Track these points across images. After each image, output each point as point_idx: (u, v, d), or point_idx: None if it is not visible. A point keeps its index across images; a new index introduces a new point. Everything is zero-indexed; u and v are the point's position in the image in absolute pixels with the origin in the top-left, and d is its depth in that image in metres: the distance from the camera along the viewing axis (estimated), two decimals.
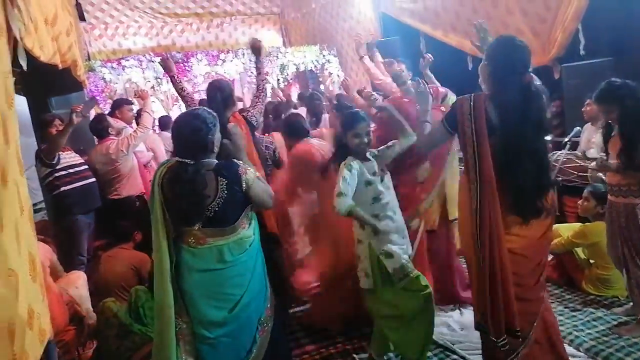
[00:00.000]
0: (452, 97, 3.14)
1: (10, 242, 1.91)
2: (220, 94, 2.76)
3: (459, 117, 2.06)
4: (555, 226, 3.05)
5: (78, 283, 2.95)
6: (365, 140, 2.39)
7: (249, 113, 3.00)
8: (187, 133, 2.01)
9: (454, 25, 5.70)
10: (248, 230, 2.10)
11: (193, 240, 2.02)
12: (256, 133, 3.24)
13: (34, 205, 5.04)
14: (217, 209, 1.99)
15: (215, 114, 2.12)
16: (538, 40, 4.74)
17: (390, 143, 2.56)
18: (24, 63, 2.33)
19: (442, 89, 3.31)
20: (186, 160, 2.00)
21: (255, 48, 3.16)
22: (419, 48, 6.10)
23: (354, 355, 2.80)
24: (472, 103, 2.03)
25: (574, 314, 3.02)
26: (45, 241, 3.35)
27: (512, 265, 2.02)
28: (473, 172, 2.02)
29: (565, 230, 3.37)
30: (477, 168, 2.01)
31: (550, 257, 3.15)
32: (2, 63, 2.10)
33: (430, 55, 3.54)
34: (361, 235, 2.42)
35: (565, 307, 3.11)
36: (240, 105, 5.07)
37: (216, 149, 2.09)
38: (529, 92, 2.01)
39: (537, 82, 2.11)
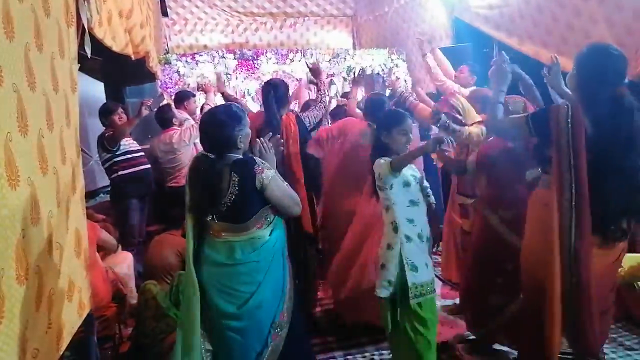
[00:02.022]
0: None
1: (61, 219, 2.03)
2: (274, 92, 2.82)
3: (553, 126, 1.89)
4: None
5: (124, 263, 3.11)
6: (404, 140, 2.34)
7: (303, 114, 3.04)
8: (213, 127, 2.05)
9: (531, 34, 5.39)
10: (262, 231, 2.07)
11: (212, 233, 2.08)
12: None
13: (106, 187, 5.41)
14: (229, 204, 2.00)
15: (243, 110, 2.14)
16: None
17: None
18: (88, 50, 2.49)
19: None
20: (208, 154, 2.06)
21: (314, 70, 3.30)
22: (492, 55, 5.84)
23: None
24: (570, 113, 1.85)
25: (629, 352, 2.78)
26: (105, 220, 3.58)
27: None
28: (568, 188, 1.85)
29: (629, 260, 3.07)
30: (574, 184, 1.84)
31: None
32: (69, 49, 2.26)
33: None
34: (393, 239, 2.29)
35: (620, 345, 2.86)
36: None
37: (242, 145, 2.09)
38: (620, 106, 1.84)
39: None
